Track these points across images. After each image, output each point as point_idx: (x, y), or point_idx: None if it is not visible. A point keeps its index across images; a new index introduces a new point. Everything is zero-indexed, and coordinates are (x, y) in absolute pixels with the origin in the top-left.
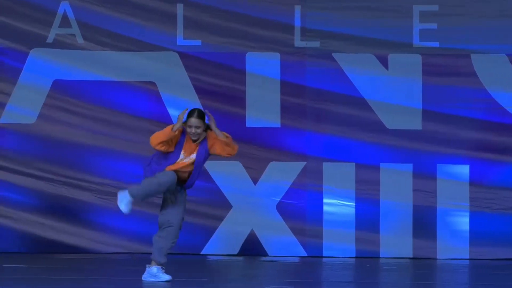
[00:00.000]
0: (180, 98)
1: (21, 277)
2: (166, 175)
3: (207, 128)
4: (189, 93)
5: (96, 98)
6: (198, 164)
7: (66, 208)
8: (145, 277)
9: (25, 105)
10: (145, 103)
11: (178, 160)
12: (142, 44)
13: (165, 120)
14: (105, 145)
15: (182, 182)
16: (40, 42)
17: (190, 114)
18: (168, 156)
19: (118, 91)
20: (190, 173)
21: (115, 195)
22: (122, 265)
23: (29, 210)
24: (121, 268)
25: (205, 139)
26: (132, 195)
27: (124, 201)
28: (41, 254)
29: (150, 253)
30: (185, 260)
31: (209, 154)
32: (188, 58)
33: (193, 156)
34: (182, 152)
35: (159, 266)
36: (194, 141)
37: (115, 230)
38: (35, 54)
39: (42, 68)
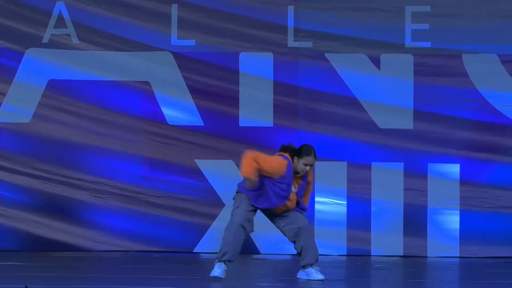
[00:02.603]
0: (174, 98)
1: (16, 275)
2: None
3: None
4: (183, 92)
5: (90, 97)
6: (299, 195)
7: (61, 206)
8: (301, 275)
9: (20, 104)
10: (140, 102)
11: (293, 191)
12: (136, 44)
13: (160, 120)
14: (100, 144)
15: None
16: (36, 42)
17: (308, 153)
18: (281, 187)
19: (112, 90)
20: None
21: (110, 193)
22: (116, 263)
23: (24, 208)
24: (115, 265)
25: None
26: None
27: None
28: (36, 252)
29: (144, 251)
30: (178, 258)
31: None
32: (182, 58)
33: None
34: (294, 185)
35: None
36: (297, 173)
37: (109, 229)
38: (31, 54)
39: (38, 68)
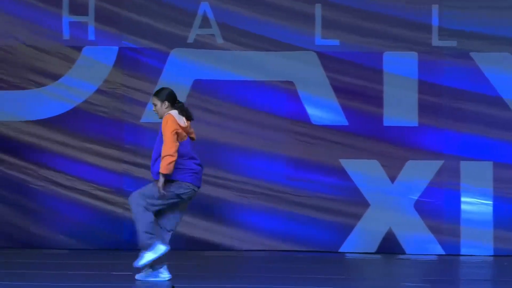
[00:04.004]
0: (318, 97)
1: None
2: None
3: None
4: (327, 92)
5: (235, 97)
6: (158, 139)
7: (205, 205)
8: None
9: None
10: (284, 102)
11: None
12: (280, 44)
13: (304, 119)
14: (244, 143)
15: None
16: (181, 42)
17: None
18: None
19: (257, 90)
20: None
21: (254, 193)
22: (260, 262)
23: None
24: (260, 265)
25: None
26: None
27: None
28: (181, 251)
29: (289, 251)
30: (323, 257)
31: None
32: (326, 58)
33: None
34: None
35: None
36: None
37: (253, 228)
38: (176, 54)
39: (183, 68)
